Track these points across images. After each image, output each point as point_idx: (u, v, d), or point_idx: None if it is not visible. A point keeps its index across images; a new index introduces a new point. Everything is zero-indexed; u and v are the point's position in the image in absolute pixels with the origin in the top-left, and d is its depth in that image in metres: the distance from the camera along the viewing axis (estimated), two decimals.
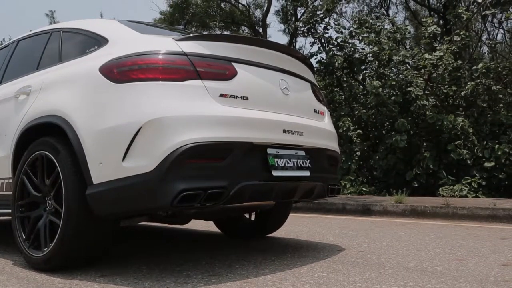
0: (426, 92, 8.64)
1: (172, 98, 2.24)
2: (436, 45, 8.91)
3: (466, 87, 8.38)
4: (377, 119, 9.04)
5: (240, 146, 2.31)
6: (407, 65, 9.37)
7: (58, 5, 47.12)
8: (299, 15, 16.40)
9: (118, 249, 3.26)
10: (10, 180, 2.91)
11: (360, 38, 9.35)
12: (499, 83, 8.55)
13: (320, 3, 9.78)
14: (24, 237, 2.63)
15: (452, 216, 5.17)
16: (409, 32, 10.89)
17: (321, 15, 9.76)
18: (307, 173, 2.67)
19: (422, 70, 8.72)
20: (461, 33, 8.72)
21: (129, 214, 2.44)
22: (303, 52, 16.70)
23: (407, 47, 12.43)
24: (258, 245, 3.38)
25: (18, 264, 2.75)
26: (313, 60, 9.84)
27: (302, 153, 2.69)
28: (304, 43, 38.48)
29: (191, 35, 2.59)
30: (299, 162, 2.63)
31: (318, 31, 9.94)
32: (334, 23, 9.87)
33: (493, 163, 7.62)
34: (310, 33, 10.06)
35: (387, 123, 9.02)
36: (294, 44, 17.93)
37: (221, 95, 2.35)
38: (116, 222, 2.53)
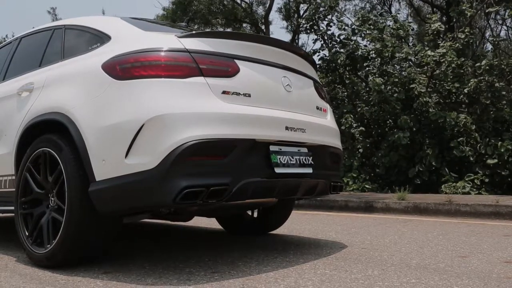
0: (429, 89, 8.62)
1: (174, 95, 2.24)
2: (440, 42, 8.87)
3: (469, 84, 8.36)
4: (380, 116, 9.02)
5: (243, 143, 2.31)
6: (410, 62, 9.34)
7: (59, 2, 47.20)
8: (301, 12, 16.38)
9: (120, 246, 3.27)
10: (13, 177, 2.91)
11: (363, 35, 9.32)
12: (502, 80, 8.52)
13: None
14: (27, 234, 2.63)
15: (454, 213, 5.16)
16: (412, 29, 10.86)
17: (324, 12, 9.73)
18: (309, 170, 2.67)
19: (425, 67, 8.69)
20: (465, 30, 8.68)
21: (132, 211, 2.44)
22: (306, 49, 16.68)
23: (410, 44, 12.39)
24: (261, 242, 3.38)
25: (21, 260, 2.76)
26: (315, 57, 9.82)
27: (304, 150, 2.69)
28: (306, 40, 38.39)
29: (194, 32, 2.59)
30: (302, 159, 2.63)
31: (321, 28, 9.92)
32: (337, 20, 9.84)
33: (496, 160, 7.61)
34: (312, 30, 10.03)
35: (390, 120, 9.01)
36: (296, 41, 17.93)
37: (224, 92, 2.35)
38: (119, 219, 2.53)
